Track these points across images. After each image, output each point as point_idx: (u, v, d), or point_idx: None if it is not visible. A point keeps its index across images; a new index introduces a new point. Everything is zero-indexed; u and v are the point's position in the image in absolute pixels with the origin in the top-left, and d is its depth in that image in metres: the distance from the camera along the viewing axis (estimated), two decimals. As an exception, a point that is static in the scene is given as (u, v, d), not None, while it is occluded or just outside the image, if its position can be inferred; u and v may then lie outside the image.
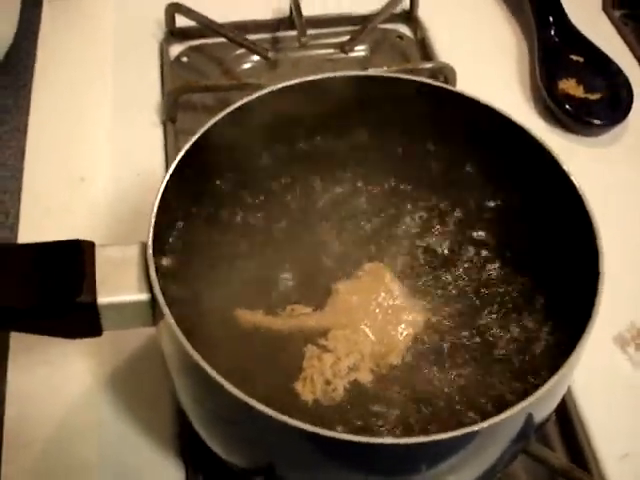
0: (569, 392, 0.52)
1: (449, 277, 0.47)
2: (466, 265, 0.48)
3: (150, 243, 0.38)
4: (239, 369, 0.38)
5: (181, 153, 0.43)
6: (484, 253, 0.48)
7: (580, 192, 0.42)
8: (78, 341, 0.41)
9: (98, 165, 0.64)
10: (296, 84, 0.46)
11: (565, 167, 0.43)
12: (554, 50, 0.73)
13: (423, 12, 0.79)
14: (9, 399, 0.50)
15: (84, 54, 0.73)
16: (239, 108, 0.45)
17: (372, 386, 0.43)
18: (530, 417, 0.38)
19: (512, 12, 0.80)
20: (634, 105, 0.69)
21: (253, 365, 0.42)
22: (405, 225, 0.50)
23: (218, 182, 0.48)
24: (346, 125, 0.49)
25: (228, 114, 0.45)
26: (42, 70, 0.71)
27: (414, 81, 0.47)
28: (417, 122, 0.48)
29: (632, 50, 0.76)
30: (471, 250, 0.48)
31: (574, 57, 0.72)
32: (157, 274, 0.39)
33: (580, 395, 0.52)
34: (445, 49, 0.75)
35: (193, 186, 0.46)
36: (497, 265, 0.48)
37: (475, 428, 0.34)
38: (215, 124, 0.44)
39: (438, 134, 0.49)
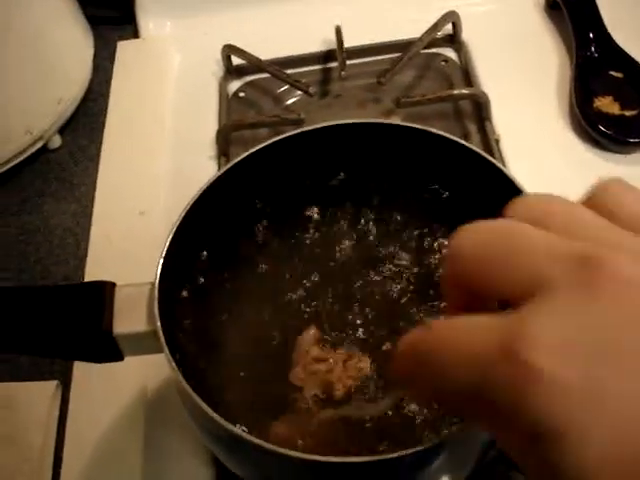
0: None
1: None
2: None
3: (157, 284, 0.44)
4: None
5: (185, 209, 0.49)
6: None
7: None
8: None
9: (156, 199, 0.71)
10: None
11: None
12: (592, 67, 0.73)
13: (468, 34, 0.81)
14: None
15: (150, 95, 0.80)
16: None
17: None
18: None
19: (559, 31, 0.81)
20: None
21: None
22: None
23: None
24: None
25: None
26: (113, 110, 0.79)
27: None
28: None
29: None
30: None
31: (613, 73, 0.72)
32: (176, 305, 0.47)
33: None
34: (487, 72, 0.77)
35: (212, 222, 0.52)
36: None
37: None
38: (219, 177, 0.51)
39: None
